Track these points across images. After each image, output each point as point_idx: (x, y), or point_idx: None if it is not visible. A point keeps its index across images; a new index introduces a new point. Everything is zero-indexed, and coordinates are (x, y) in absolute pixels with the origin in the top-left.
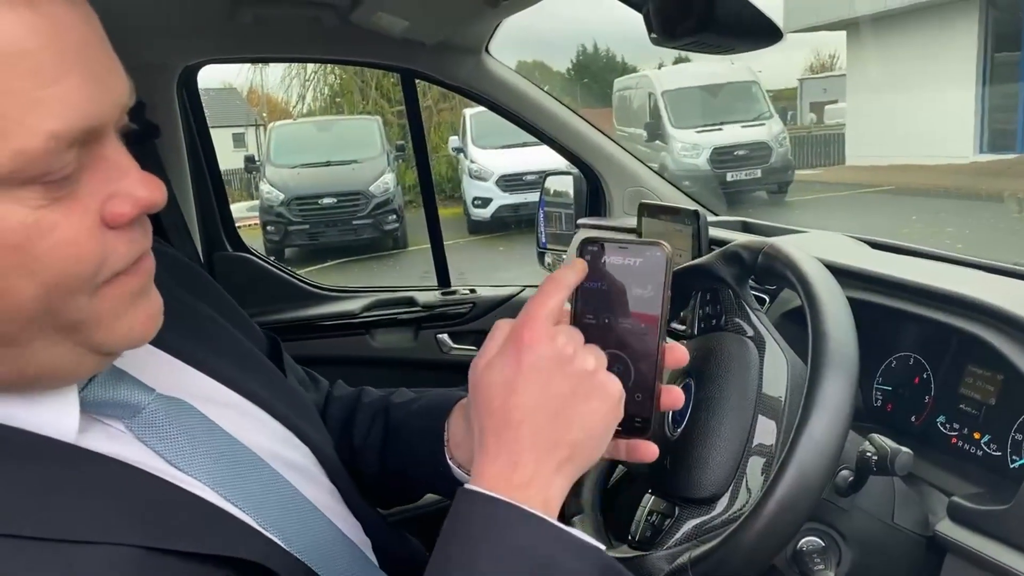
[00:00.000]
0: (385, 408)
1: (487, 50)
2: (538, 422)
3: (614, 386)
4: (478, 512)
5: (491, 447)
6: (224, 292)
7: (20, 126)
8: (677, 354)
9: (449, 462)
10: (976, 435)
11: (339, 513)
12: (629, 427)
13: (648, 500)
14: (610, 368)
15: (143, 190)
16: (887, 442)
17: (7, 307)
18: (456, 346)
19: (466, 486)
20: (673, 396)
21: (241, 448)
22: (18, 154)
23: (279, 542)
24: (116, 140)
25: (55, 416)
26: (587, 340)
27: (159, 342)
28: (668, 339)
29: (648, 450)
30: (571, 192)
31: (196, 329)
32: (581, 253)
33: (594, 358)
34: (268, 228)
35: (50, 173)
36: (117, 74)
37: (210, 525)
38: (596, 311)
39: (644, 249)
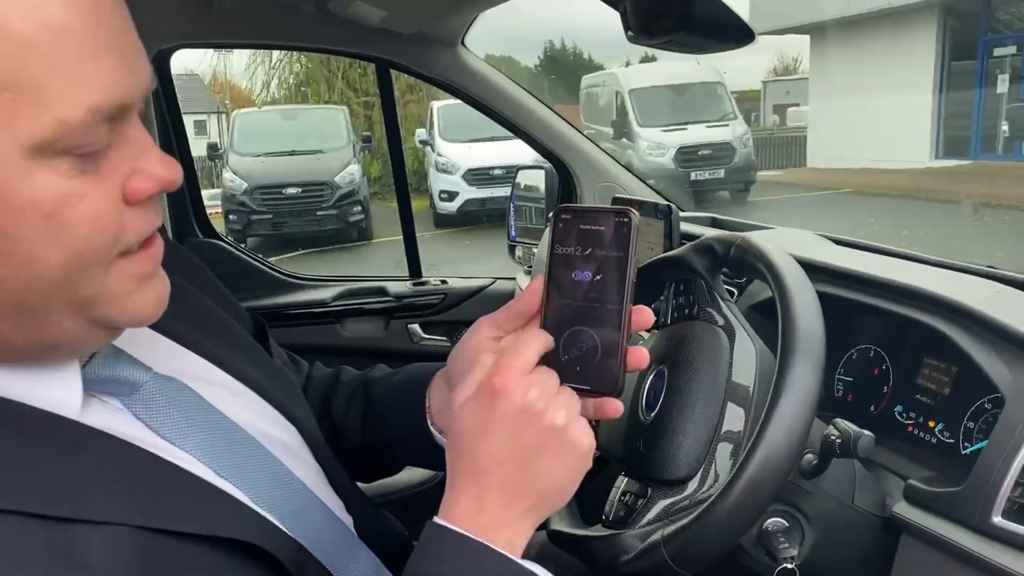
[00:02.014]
0: (364, 383)
1: (463, 43)
2: (505, 471)
3: (584, 440)
4: (447, 545)
5: (459, 487)
6: (214, 277)
7: (62, 98)
8: (643, 316)
9: (431, 428)
10: (931, 423)
11: (324, 491)
12: (598, 387)
13: (622, 482)
14: (577, 345)
15: (163, 169)
16: (850, 426)
17: (34, 275)
18: (427, 336)
19: (435, 520)
20: (638, 356)
21: (233, 426)
22: (59, 124)
23: (273, 520)
24: (138, 120)
25: (59, 392)
26: (559, 300)
27: (155, 324)
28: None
29: (614, 407)
30: (542, 186)
31: (189, 312)
32: (555, 220)
33: (565, 411)
34: (230, 217)
35: (84, 145)
36: (143, 58)
37: (208, 505)
38: (568, 274)
39: (614, 215)
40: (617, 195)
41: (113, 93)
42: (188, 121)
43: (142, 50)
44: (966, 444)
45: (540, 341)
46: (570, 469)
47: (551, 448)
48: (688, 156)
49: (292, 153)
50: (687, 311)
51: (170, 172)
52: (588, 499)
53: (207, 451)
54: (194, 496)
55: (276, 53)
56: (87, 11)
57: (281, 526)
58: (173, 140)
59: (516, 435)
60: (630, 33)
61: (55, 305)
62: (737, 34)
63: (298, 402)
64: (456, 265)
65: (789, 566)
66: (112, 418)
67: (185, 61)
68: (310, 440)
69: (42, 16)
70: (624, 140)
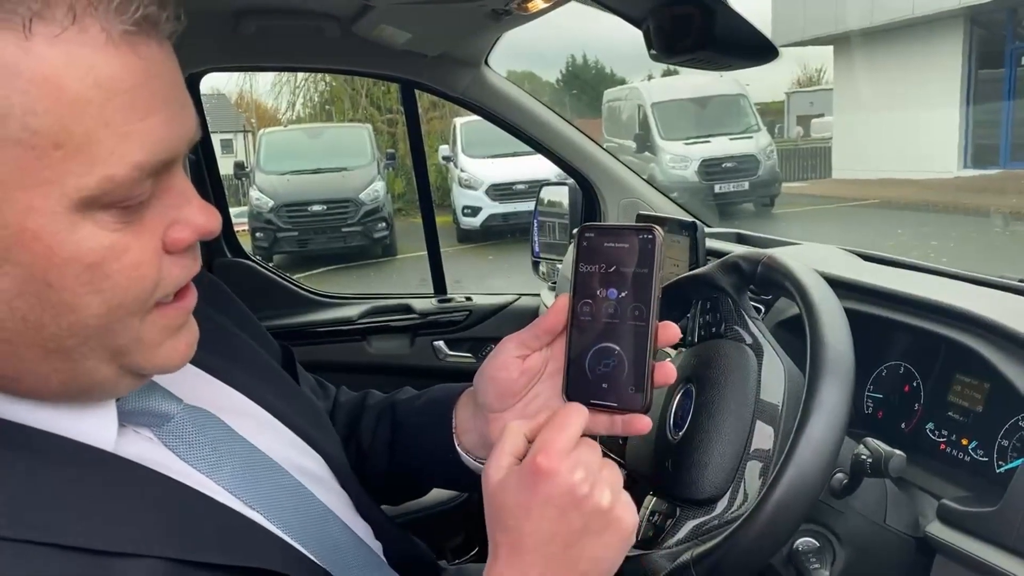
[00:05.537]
0: (391, 406)
1: (486, 62)
2: (550, 552)
3: (629, 518)
4: None
5: (502, 563)
6: (243, 305)
7: (111, 155)
8: (669, 332)
9: (458, 448)
10: (964, 441)
11: (352, 518)
12: (626, 404)
13: (650, 501)
14: (603, 362)
15: (202, 218)
16: (881, 445)
17: (73, 322)
18: (452, 353)
19: None
20: (665, 372)
21: (262, 456)
22: (107, 180)
23: (301, 548)
24: (181, 170)
25: (95, 425)
26: (584, 318)
27: None
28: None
29: (642, 424)
30: (565, 202)
31: (219, 343)
32: (579, 238)
33: (610, 492)
34: (257, 234)
35: (129, 199)
36: (190, 111)
37: (238, 536)
38: (593, 291)
39: (637, 232)
40: (642, 212)
41: (160, 149)
42: (215, 140)
43: (190, 103)
44: (1000, 463)
45: (581, 416)
46: (613, 548)
47: (595, 529)
48: (711, 169)
49: (317, 171)
50: (714, 329)
51: (209, 221)
52: None
53: (236, 481)
54: (223, 526)
55: (301, 73)
56: (140, 71)
57: (309, 554)
58: (203, 163)
59: (561, 517)
60: (653, 51)
61: (91, 352)
62: (760, 51)
63: (325, 430)
64: (480, 280)
65: None
66: (145, 449)
67: (212, 81)
68: (337, 468)
69: (96, 76)
70: (647, 153)
